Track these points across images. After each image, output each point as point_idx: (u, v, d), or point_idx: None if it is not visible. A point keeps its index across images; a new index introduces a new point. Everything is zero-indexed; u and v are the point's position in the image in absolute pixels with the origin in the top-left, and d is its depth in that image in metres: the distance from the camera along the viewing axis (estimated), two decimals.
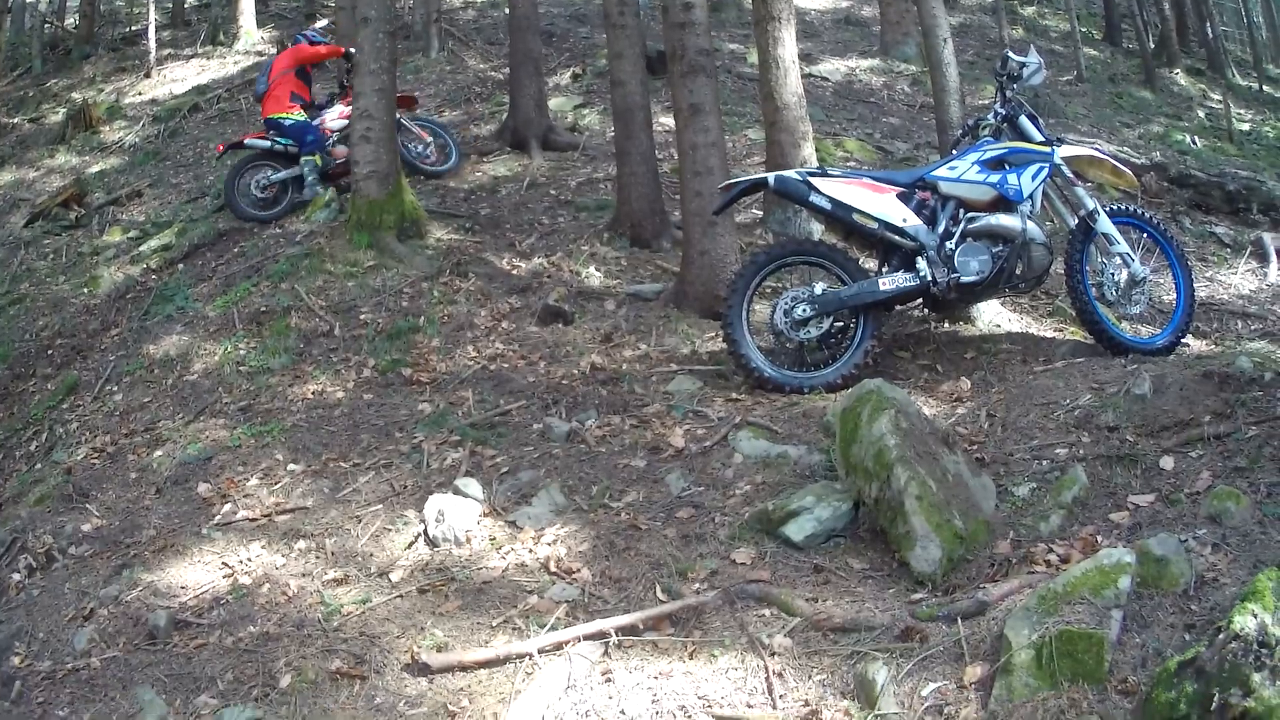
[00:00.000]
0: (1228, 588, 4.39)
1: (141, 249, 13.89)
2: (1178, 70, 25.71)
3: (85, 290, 13.18)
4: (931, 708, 4.28)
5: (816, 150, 11.72)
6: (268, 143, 13.81)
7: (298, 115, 13.76)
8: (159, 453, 8.27)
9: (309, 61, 14.10)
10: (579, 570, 5.92)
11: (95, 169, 18.39)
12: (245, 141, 14.11)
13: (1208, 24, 27.34)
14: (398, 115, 13.32)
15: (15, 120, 22.01)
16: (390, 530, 6.67)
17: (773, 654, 4.83)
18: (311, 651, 5.50)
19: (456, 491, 6.84)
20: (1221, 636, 3.72)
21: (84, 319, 12.32)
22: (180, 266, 12.71)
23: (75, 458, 8.71)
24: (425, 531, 6.53)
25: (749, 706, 4.53)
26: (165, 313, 10.98)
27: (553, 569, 5.98)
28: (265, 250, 11.94)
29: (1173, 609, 4.34)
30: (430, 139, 14.34)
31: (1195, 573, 4.49)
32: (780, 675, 4.68)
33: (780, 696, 4.55)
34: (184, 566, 6.56)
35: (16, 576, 6.85)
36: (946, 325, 9.16)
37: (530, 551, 6.23)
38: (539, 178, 14.18)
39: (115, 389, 9.85)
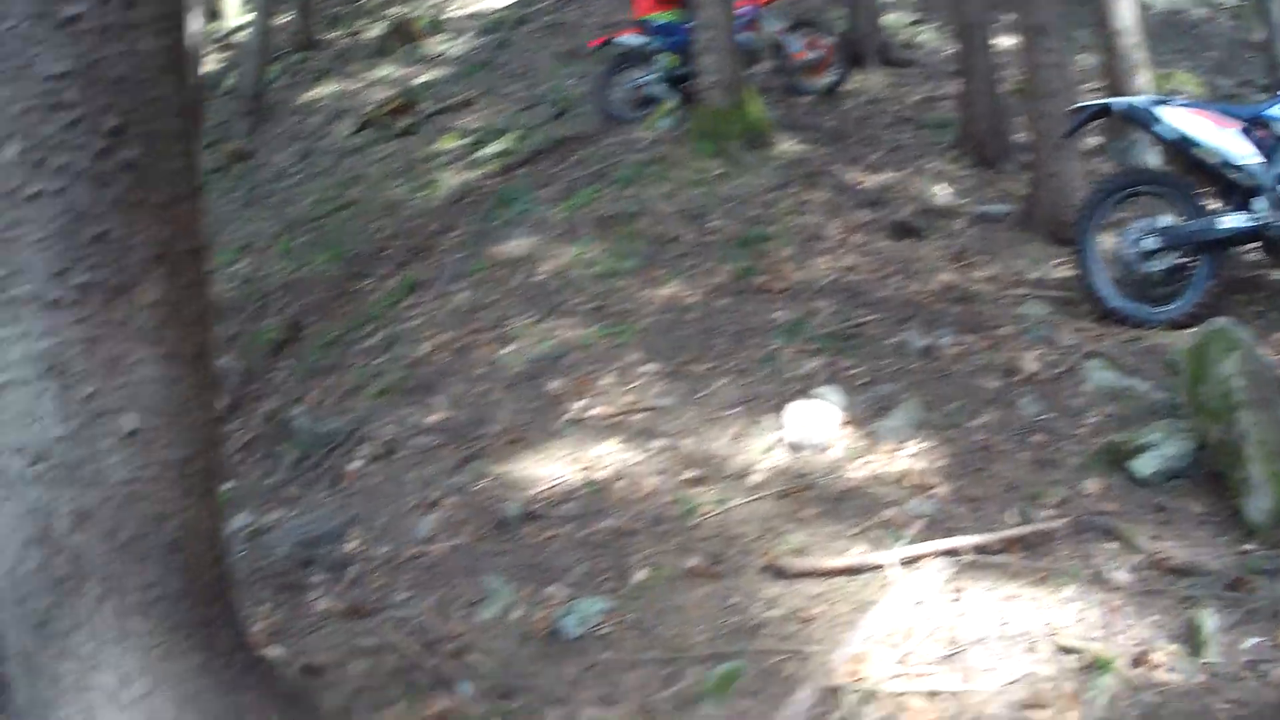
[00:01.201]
0: None
1: (478, 155, 14.25)
2: None
3: (421, 194, 13.53)
4: (1250, 663, 4.33)
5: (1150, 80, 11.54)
6: (637, 40, 13.61)
7: (668, 16, 13.51)
8: (507, 349, 8.31)
9: None
10: (936, 486, 5.96)
11: (421, 80, 18.66)
12: (616, 39, 13.87)
13: None
14: (776, 32, 13.56)
15: (332, 35, 22.61)
16: (747, 434, 6.70)
17: (1114, 589, 4.91)
18: (667, 549, 5.62)
19: (817, 399, 6.86)
20: None
21: (421, 221, 12.56)
22: (520, 172, 12.89)
23: (418, 353, 8.77)
24: (784, 437, 6.60)
25: (1089, 640, 4.59)
26: (508, 216, 11.09)
27: (910, 483, 6.05)
28: (606, 158, 12.01)
29: None
30: (810, 54, 14.07)
31: None
32: (1118, 611, 4.76)
33: (1117, 633, 4.63)
34: (534, 460, 6.66)
35: (355, 465, 7.06)
36: None
37: (888, 464, 6.28)
38: (878, 93, 14.21)
39: (458, 288, 9.86)
